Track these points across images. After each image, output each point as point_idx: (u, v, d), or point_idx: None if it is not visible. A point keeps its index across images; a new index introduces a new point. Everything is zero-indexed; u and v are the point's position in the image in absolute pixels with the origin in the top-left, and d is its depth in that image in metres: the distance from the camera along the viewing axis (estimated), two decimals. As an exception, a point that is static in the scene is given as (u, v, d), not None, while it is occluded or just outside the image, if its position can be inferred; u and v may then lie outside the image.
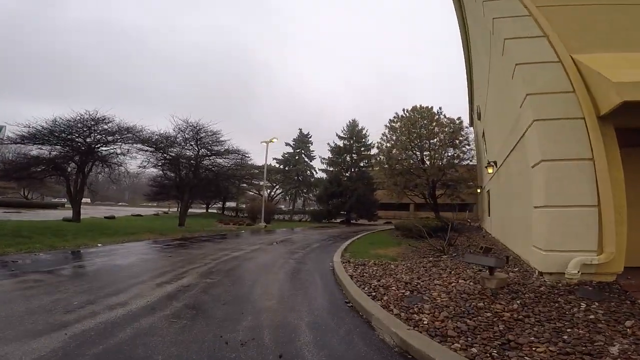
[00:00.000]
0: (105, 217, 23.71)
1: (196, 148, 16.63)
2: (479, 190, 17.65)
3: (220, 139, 17.00)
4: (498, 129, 8.92)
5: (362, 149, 30.61)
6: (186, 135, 16.17)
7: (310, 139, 37.76)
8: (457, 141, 19.08)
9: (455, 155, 18.50)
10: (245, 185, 38.15)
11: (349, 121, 31.35)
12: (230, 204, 42.88)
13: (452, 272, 5.16)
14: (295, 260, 7.35)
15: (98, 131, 14.49)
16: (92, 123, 14.05)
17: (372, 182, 29.45)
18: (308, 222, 27.93)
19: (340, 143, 30.92)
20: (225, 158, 17.41)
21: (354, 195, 26.97)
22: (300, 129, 37.59)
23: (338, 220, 29.76)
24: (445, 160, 17.96)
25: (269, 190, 37.28)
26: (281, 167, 36.13)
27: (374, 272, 5.45)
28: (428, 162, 18.76)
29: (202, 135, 16.38)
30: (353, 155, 30.56)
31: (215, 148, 16.79)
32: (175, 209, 40.66)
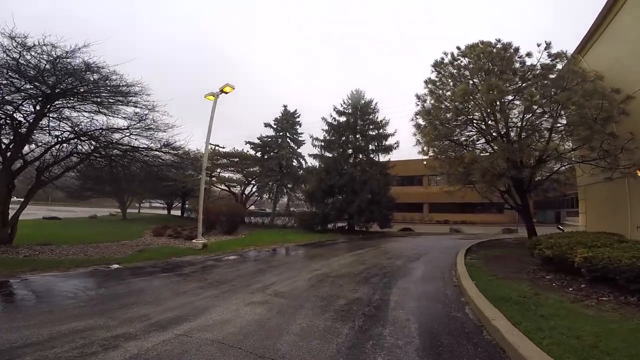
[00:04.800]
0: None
1: (45, 81, 7.38)
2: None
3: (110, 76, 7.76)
4: None
5: (371, 126, 21.66)
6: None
7: (297, 119, 28.51)
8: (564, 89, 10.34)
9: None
10: (214, 179, 28.90)
11: (352, 91, 22.33)
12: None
13: None
14: None
15: None
16: None
17: (386, 173, 20.66)
18: (293, 232, 18.64)
19: (341, 119, 21.95)
20: (108, 107, 8.01)
21: (365, 191, 17.99)
22: (285, 106, 28.31)
23: (336, 227, 20.71)
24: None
25: (240, 187, 27.96)
26: (258, 154, 26.80)
27: None
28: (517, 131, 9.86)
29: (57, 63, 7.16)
30: (358, 136, 21.62)
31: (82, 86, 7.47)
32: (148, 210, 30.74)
